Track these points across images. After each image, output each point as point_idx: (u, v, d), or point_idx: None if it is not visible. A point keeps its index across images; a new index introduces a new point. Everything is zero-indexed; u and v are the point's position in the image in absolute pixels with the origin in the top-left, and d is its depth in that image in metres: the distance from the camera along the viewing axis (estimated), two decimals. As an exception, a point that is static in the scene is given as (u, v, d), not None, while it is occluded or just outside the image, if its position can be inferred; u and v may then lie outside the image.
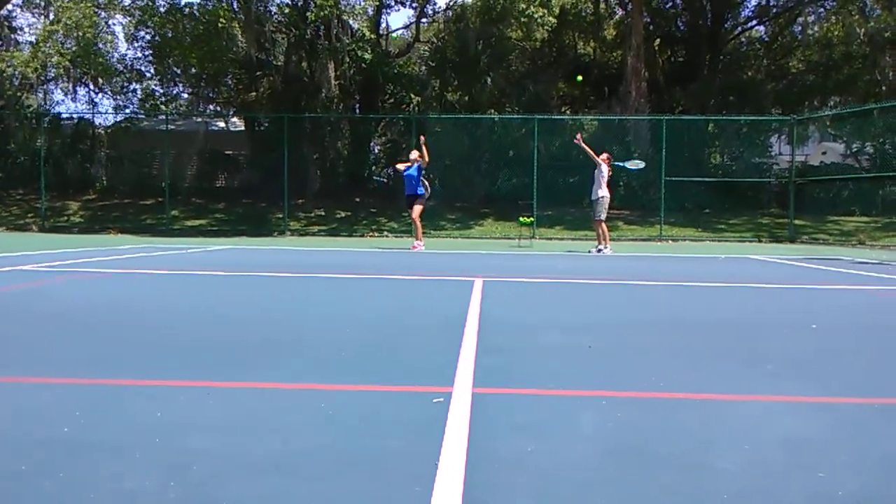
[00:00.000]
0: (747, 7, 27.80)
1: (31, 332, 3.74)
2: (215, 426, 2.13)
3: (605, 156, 11.73)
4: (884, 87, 23.52)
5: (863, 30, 23.68)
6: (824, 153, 28.96)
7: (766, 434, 2.13)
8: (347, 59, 21.99)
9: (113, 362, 3.03)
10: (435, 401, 2.40)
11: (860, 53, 24.96)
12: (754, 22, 28.38)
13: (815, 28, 27.44)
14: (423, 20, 26.18)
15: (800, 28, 27.86)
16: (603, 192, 11.63)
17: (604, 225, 11.89)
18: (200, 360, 3.09)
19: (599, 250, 11.78)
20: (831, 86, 26.22)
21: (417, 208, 12.50)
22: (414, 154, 12.52)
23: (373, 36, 22.94)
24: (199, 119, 28.33)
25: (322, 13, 18.50)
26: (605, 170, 11.61)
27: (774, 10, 27.44)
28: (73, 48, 22.00)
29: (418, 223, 12.69)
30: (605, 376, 2.87)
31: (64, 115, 25.92)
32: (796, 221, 19.03)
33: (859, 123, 22.66)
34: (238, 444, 1.97)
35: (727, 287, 6.73)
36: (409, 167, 12.48)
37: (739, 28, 28.42)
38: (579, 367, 3.05)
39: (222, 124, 29.03)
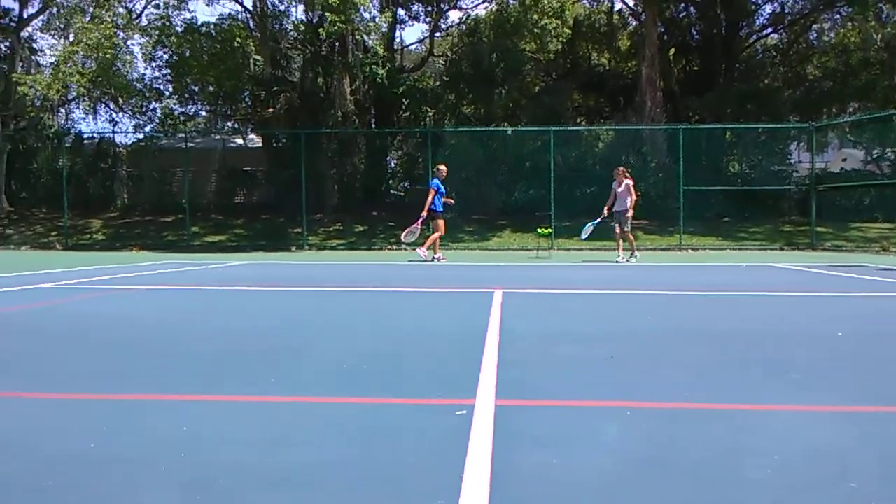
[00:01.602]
0: (762, 15, 27.70)
1: (56, 349, 3.78)
2: (239, 440, 2.13)
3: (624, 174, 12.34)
4: (902, 93, 23.26)
5: (879, 35, 23.46)
6: (844, 160, 28.62)
7: (794, 444, 2.09)
8: (362, 75, 22.15)
9: (137, 377, 3.06)
10: (458, 413, 2.39)
11: (878, 59, 24.72)
12: (769, 30, 28.23)
13: (832, 34, 27.24)
14: (437, 34, 26.36)
15: (815, 35, 27.67)
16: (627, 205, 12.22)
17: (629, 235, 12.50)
18: (223, 374, 3.11)
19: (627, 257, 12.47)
20: (850, 92, 25.96)
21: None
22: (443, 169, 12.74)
23: (386, 52, 23.09)
24: (218, 136, 28.65)
25: (333, 28, 18.64)
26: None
27: (789, 18, 27.27)
28: (93, 68, 22.36)
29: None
30: (628, 387, 2.85)
31: (85, 135, 26.43)
32: (818, 229, 18.80)
33: (879, 129, 22.38)
34: (261, 457, 1.97)
35: (750, 296, 6.66)
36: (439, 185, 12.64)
37: (754, 36, 28.26)
38: (602, 377, 3.02)
39: (240, 141, 29.29)
